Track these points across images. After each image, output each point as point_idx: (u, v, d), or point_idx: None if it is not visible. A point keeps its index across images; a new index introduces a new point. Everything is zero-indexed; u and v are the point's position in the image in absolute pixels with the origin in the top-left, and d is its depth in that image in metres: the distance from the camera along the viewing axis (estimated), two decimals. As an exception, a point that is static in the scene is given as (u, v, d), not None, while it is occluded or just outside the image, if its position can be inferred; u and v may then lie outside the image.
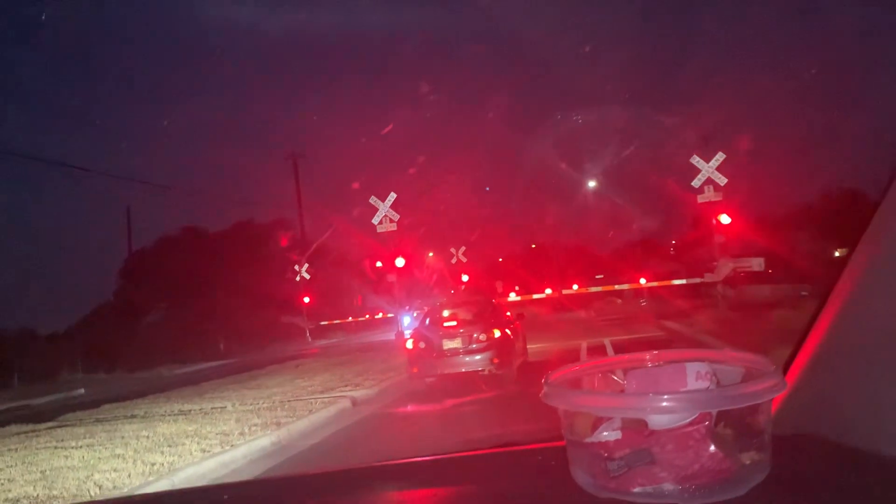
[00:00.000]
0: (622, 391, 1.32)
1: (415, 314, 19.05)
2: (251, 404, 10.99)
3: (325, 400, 10.70)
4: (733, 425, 1.17)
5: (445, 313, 12.57)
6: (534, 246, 56.09)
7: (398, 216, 20.21)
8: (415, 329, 13.24)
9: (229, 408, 10.63)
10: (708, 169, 18.87)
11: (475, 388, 11.11)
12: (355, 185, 25.20)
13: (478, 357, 10.90)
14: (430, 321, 12.56)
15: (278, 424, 8.77)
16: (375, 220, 20.33)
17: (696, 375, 1.22)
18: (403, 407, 10.20)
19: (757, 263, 18.39)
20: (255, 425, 8.77)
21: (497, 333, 11.19)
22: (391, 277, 20.63)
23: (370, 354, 18.65)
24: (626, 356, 1.38)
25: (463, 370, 10.96)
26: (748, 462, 1.13)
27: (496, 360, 10.92)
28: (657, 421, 1.15)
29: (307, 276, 32.76)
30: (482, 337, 11.11)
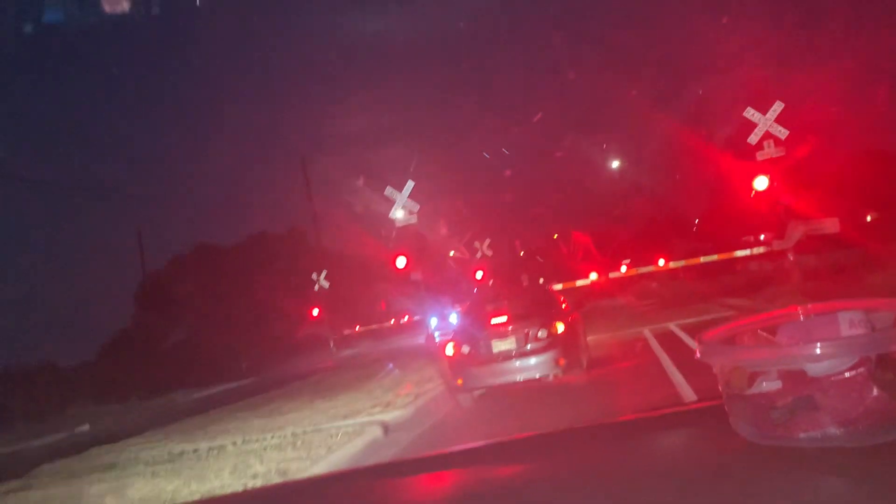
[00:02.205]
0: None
1: (452, 312, 16.41)
2: (257, 441, 9.35)
3: (350, 429, 8.92)
4: (894, 369, 1.15)
5: (490, 307, 9.68)
6: (556, 236, 53.23)
7: (418, 206, 17.50)
8: (454, 329, 10.41)
9: (230, 448, 9.06)
10: (765, 121, 15.82)
11: (540, 399, 9.58)
12: (369, 183, 22.24)
13: (539, 359, 8.27)
14: (471, 318, 9.69)
15: (284, 473, 7.12)
16: (393, 214, 17.49)
17: (849, 323, 1.21)
18: (451, 434, 7.38)
19: (831, 224, 15.54)
20: (256, 475, 7.19)
21: (560, 327, 8.50)
22: (416, 275, 17.79)
23: (399, 363, 17.11)
24: (776, 311, 1.37)
25: (520, 378, 8.16)
26: None
27: (562, 362, 8.09)
28: (817, 369, 1.15)
29: (326, 285, 31.27)
30: (542, 334, 8.40)
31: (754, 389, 1.22)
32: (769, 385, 1.20)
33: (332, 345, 32.31)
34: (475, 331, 9.76)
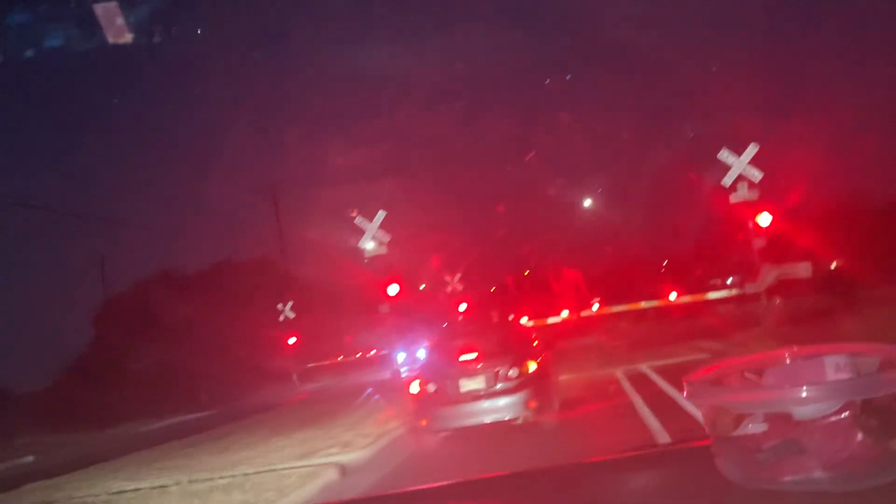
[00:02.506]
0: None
1: (418, 348, 15.88)
2: (205, 480, 8.90)
3: (305, 470, 8.42)
4: (878, 414, 1.16)
5: (459, 343, 9.12)
6: (527, 273, 52.74)
7: (389, 237, 16.91)
8: (421, 365, 9.81)
9: (173, 488, 8.03)
10: (739, 163, 15.65)
11: (509, 442, 9.01)
12: (341, 213, 21.77)
13: (509, 400, 7.74)
14: (439, 354, 9.10)
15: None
16: (363, 244, 16.95)
17: (835, 368, 1.22)
18: (413, 478, 6.82)
19: (803, 269, 15.33)
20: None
21: (532, 367, 8.00)
22: (384, 308, 17.21)
23: (363, 399, 16.82)
24: (762, 354, 1.38)
25: (489, 420, 7.57)
26: None
27: (533, 403, 7.57)
28: (802, 412, 1.16)
29: (292, 315, 30.89)
30: (513, 373, 7.87)
31: (740, 431, 1.22)
32: (755, 427, 1.21)
33: (295, 378, 31.73)
34: (442, 368, 9.25)
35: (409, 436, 9.84)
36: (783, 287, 18.16)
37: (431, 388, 8.98)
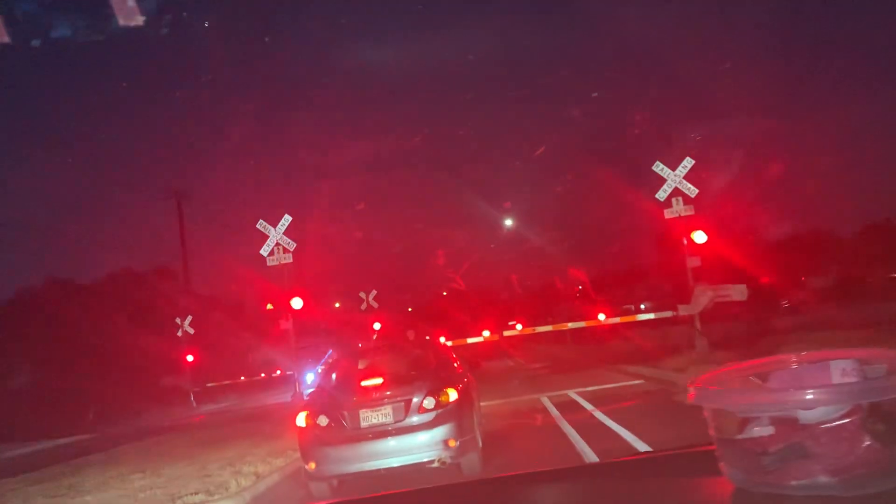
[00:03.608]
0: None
1: (317, 369, 13.97)
2: None
3: None
4: (885, 419, 1.15)
5: (363, 365, 7.09)
6: (445, 294, 51.66)
7: (294, 244, 14.91)
8: (312, 392, 7.70)
9: None
10: (675, 177, 14.36)
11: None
12: (249, 222, 19.50)
13: (424, 438, 5.81)
14: (336, 379, 7.03)
15: None
16: (265, 251, 14.83)
17: (841, 372, 1.20)
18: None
19: (738, 291, 14.08)
20: None
21: (453, 395, 6.08)
22: (286, 324, 15.07)
23: (256, 426, 14.97)
24: (768, 358, 1.36)
25: (396, 463, 5.54)
26: None
27: (453, 442, 5.58)
28: (808, 416, 1.15)
29: (191, 331, 29.54)
30: (428, 403, 5.93)
31: (745, 434, 1.19)
32: (761, 430, 1.18)
33: (192, 398, 30.02)
34: (338, 396, 7.26)
35: (297, 474, 7.80)
36: (717, 309, 16.91)
37: (323, 421, 7.04)
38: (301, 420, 7.42)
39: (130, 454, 13.63)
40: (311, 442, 7.27)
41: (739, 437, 1.19)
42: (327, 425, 7.24)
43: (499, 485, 1.72)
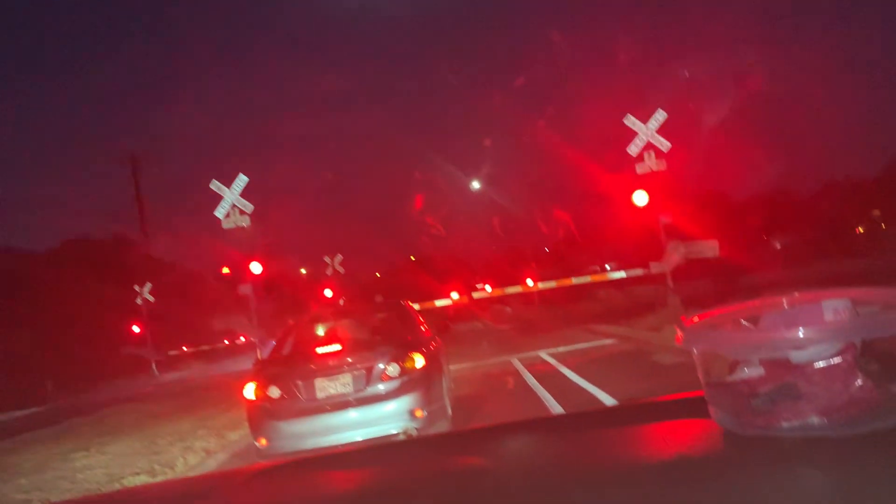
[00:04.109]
0: None
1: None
2: None
3: None
4: (879, 358, 1.13)
5: (322, 329, 6.40)
6: (413, 258, 51.26)
7: (251, 207, 14.08)
8: (263, 360, 6.98)
9: None
10: (646, 131, 13.79)
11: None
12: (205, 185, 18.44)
13: (388, 408, 5.02)
14: (293, 345, 6.30)
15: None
16: (221, 213, 13.97)
17: (833, 312, 1.18)
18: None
19: (710, 248, 13.64)
20: None
21: (420, 361, 5.33)
22: (245, 288, 14.27)
23: (215, 396, 14.43)
24: (761, 300, 1.31)
25: (359, 437, 4.81)
26: None
27: (420, 413, 4.88)
28: (800, 356, 1.12)
29: (151, 299, 28.40)
30: (392, 370, 5.15)
31: (735, 376, 1.17)
32: (751, 372, 1.15)
33: (154, 367, 29.46)
34: (292, 364, 6.54)
35: (252, 452, 7.15)
36: (688, 267, 16.48)
37: (274, 392, 6.36)
38: (249, 392, 6.71)
39: (80, 428, 13.15)
40: (261, 416, 6.59)
41: (729, 379, 1.18)
42: (279, 397, 6.55)
43: (463, 438, 1.69)
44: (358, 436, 6.57)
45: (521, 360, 13.59)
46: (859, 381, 1.07)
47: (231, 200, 16.65)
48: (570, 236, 38.86)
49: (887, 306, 1.19)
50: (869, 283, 1.29)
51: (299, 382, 6.64)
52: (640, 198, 16.03)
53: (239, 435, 9.16)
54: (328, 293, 26.71)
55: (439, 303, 21.71)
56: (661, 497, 1.03)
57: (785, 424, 1.08)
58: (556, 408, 8.57)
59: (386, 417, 6.51)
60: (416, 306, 9.93)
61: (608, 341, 15.08)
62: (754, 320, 1.27)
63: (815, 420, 1.07)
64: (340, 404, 6.50)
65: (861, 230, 35.70)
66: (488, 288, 27.11)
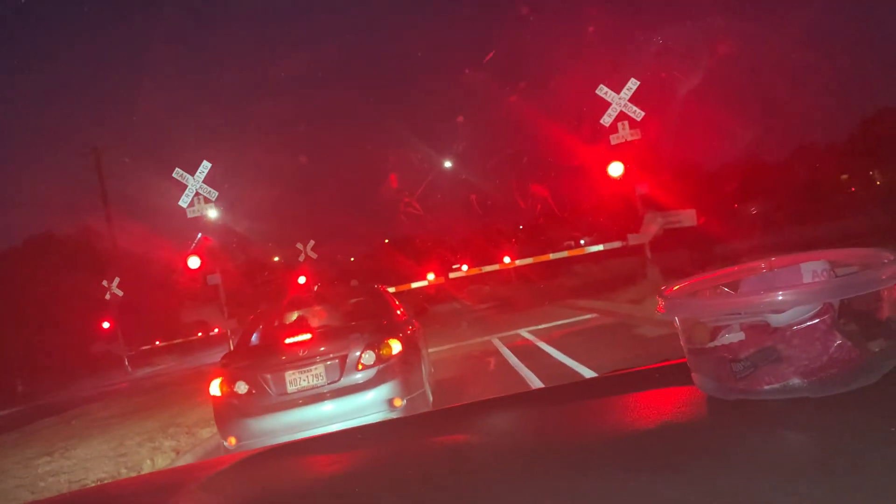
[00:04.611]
0: None
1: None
2: None
3: None
4: (857, 318, 1.14)
5: (291, 319, 5.96)
6: (387, 241, 50.98)
7: (216, 194, 13.56)
8: (229, 353, 6.55)
9: None
10: (619, 100, 13.48)
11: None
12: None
13: (364, 399, 4.45)
14: (261, 335, 5.85)
15: None
16: (185, 202, 13.43)
17: (811, 275, 1.19)
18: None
19: (688, 217, 13.40)
20: None
21: (396, 346, 4.90)
22: (213, 278, 13.77)
23: (188, 390, 13.92)
24: (739, 266, 1.34)
25: (334, 428, 4.32)
26: (877, 350, 1.12)
27: (398, 402, 4.44)
28: (779, 319, 1.12)
29: (120, 293, 26.91)
30: (368, 357, 4.66)
31: (717, 342, 1.18)
32: (732, 336, 1.16)
33: (126, 363, 28.73)
34: (260, 357, 6.12)
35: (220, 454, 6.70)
36: (665, 237, 16.23)
37: (241, 388, 5.97)
38: (215, 388, 6.31)
39: (46, 431, 12.82)
40: (229, 413, 6.23)
41: (710, 345, 1.17)
42: (247, 392, 6.17)
43: (444, 416, 1.68)
44: (334, 426, 6.19)
45: (501, 340, 13.43)
46: (838, 342, 1.08)
47: (195, 188, 16.46)
48: (547, 210, 38.64)
49: (865, 266, 1.21)
50: (846, 245, 1.29)
51: (268, 376, 6.30)
52: (616, 169, 15.83)
53: (211, 432, 8.78)
54: (302, 280, 26.24)
55: (416, 284, 21.30)
56: (644, 463, 1.03)
57: (766, 388, 1.10)
58: (538, 385, 8.29)
59: (363, 409, 6.19)
60: (392, 289, 9.55)
61: (589, 316, 15.02)
62: (734, 286, 1.28)
63: (795, 382, 1.08)
64: (313, 397, 6.19)
65: (854, 189, 35.94)
66: (465, 267, 26.74)
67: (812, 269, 1.17)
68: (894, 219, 18.96)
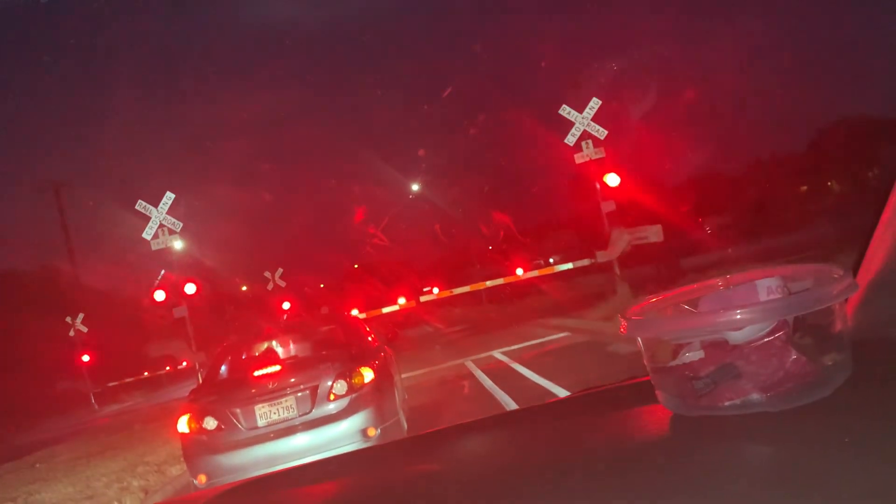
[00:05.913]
0: None
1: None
2: None
3: None
4: (811, 333, 1.20)
5: (260, 350, 5.81)
6: (356, 266, 50.70)
7: (181, 225, 13.28)
8: (196, 388, 6.39)
9: None
10: (582, 120, 13.60)
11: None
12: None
13: (337, 431, 4.36)
14: (228, 368, 5.69)
15: None
16: (148, 234, 13.20)
17: (767, 291, 1.23)
18: None
19: (654, 232, 13.54)
20: None
21: (368, 375, 4.75)
22: (180, 311, 13.52)
23: (156, 427, 13.44)
24: (697, 284, 1.38)
25: (307, 461, 4.11)
26: (830, 363, 1.18)
27: (372, 431, 4.31)
28: (737, 336, 1.17)
29: (84, 329, 26.68)
30: (340, 387, 4.53)
31: (678, 361, 1.22)
32: (693, 355, 1.21)
33: (93, 400, 28.30)
34: (228, 391, 5.97)
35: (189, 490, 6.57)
36: (633, 253, 16.35)
37: (210, 423, 5.81)
38: (183, 425, 6.13)
39: (8, 476, 12.30)
40: (198, 450, 6.05)
41: (672, 363, 1.21)
42: (216, 428, 6.01)
43: (416, 443, 1.68)
44: (307, 458, 6.01)
45: (475, 362, 13.37)
46: (793, 357, 1.12)
47: (159, 219, 16.21)
48: (510, 236, 39.11)
49: (816, 281, 1.24)
50: (803, 258, 1.50)
51: (237, 410, 6.18)
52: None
53: (180, 470, 8.55)
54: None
55: (386, 309, 21.14)
56: (612, 481, 1.05)
57: (727, 403, 1.14)
58: (514, 408, 8.22)
59: (336, 440, 6.08)
60: (363, 315, 9.42)
61: (562, 335, 15.03)
62: (694, 303, 1.31)
63: (754, 397, 1.12)
64: (285, 430, 6.09)
65: (835, 186, 36.61)
66: (435, 290, 26.67)
67: (767, 285, 1.21)
68: (843, 231, 19.43)
